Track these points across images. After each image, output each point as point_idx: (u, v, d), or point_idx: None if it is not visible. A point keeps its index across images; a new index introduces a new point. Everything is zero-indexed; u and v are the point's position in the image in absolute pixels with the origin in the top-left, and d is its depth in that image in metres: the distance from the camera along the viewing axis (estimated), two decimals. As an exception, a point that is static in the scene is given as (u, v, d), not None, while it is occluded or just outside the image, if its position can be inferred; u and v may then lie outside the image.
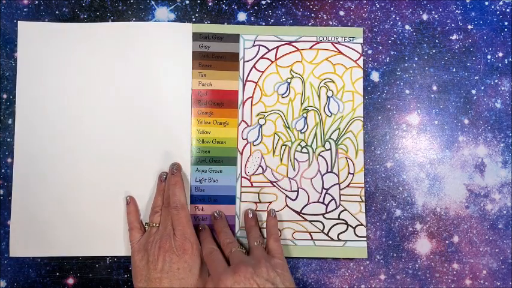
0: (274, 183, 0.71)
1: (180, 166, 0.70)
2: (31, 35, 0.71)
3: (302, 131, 0.71)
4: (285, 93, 0.72)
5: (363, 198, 0.71)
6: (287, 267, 0.64)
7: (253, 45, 0.72)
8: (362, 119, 0.72)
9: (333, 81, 0.72)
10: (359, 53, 0.72)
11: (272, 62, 0.72)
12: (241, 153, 0.71)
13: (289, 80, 0.72)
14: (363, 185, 0.71)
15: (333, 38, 0.73)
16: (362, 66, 0.72)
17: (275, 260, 0.63)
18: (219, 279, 0.59)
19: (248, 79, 0.72)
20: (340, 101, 0.72)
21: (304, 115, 0.72)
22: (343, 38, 0.72)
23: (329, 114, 0.72)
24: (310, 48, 0.72)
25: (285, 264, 0.64)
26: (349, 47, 0.72)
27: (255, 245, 0.66)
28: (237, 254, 0.64)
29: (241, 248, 0.65)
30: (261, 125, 0.71)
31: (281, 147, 0.71)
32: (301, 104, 0.72)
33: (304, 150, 0.71)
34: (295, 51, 0.72)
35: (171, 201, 0.67)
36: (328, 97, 0.72)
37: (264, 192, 0.71)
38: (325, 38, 0.72)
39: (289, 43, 0.72)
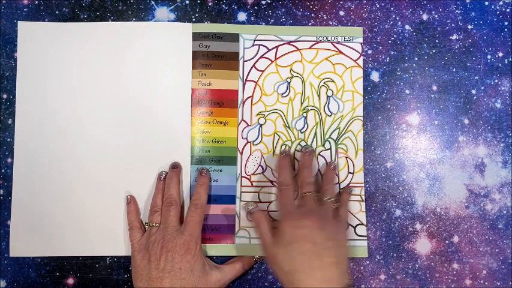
0: (275, 183, 0.71)
1: (181, 166, 0.70)
2: (31, 35, 0.71)
3: (302, 131, 0.71)
4: (285, 92, 0.72)
5: (363, 197, 0.71)
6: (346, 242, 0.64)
7: (253, 45, 0.72)
8: (362, 118, 0.72)
9: (332, 81, 0.72)
10: (359, 52, 0.72)
11: (272, 61, 0.72)
12: (241, 153, 0.71)
13: (289, 80, 0.72)
14: (363, 185, 0.71)
15: (332, 38, 0.73)
16: (362, 65, 0.72)
17: (339, 224, 0.64)
18: (286, 215, 0.62)
19: (248, 79, 0.72)
20: (340, 100, 0.72)
21: (304, 115, 0.72)
22: (343, 38, 0.73)
23: (329, 113, 0.72)
24: (310, 47, 0.72)
25: (346, 238, 0.65)
26: (349, 47, 0.72)
27: (327, 199, 0.65)
28: (312, 200, 0.64)
29: (316, 195, 0.65)
30: (261, 125, 0.71)
31: (281, 147, 0.71)
32: (301, 103, 0.72)
33: (304, 149, 0.71)
34: (295, 50, 0.72)
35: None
36: (328, 97, 0.72)
37: (264, 191, 0.71)
38: (325, 38, 0.73)
39: (289, 43, 0.72)
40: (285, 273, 0.58)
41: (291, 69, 0.72)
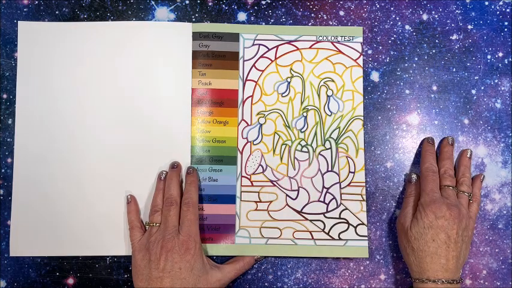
0: (275, 183, 0.71)
1: (181, 165, 0.70)
2: (31, 35, 0.71)
3: (302, 130, 0.71)
4: (285, 92, 0.72)
5: (364, 197, 0.71)
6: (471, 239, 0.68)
7: (253, 44, 0.72)
8: (362, 118, 0.72)
9: (332, 81, 0.72)
10: (359, 52, 0.72)
11: (272, 61, 0.72)
12: (241, 153, 0.71)
13: (289, 79, 0.72)
14: (363, 184, 0.71)
15: (332, 37, 0.73)
16: (362, 65, 0.72)
17: (472, 222, 0.67)
18: (432, 201, 0.65)
19: (248, 78, 0.72)
20: (340, 100, 0.72)
21: (304, 114, 0.72)
22: (343, 38, 0.73)
23: (329, 113, 0.72)
24: (310, 47, 0.72)
25: (472, 235, 0.68)
26: (349, 46, 0.72)
27: (465, 193, 0.68)
28: (454, 194, 0.67)
29: (454, 189, 0.68)
30: (261, 124, 0.71)
31: (281, 147, 0.71)
32: (301, 103, 0.72)
33: (304, 149, 0.71)
34: (295, 50, 0.72)
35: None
36: (328, 96, 0.72)
37: (264, 191, 0.71)
38: (324, 38, 0.73)
39: (289, 42, 0.72)
40: (411, 248, 0.65)
41: (291, 68, 0.72)
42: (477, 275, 0.71)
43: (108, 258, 0.70)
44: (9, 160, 0.70)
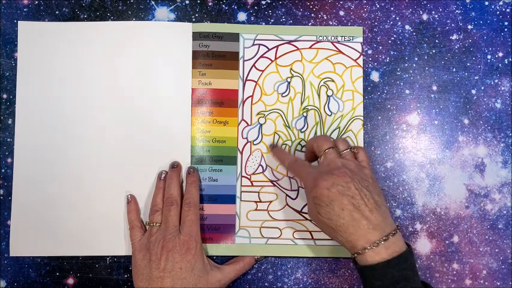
0: (275, 183, 0.71)
1: (181, 165, 0.70)
2: (31, 35, 0.71)
3: (302, 130, 0.71)
4: (285, 92, 0.72)
5: None
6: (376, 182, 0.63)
7: (253, 44, 0.72)
8: (362, 118, 0.72)
9: (332, 81, 0.72)
10: (359, 52, 0.72)
11: (272, 61, 0.72)
12: (241, 153, 0.71)
13: (289, 79, 0.72)
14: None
15: (332, 37, 0.73)
16: (362, 65, 0.72)
17: (366, 170, 0.62)
18: (316, 181, 0.59)
19: (248, 78, 0.72)
20: (340, 100, 0.72)
21: (304, 114, 0.72)
22: (343, 38, 0.73)
23: (329, 113, 0.72)
24: (310, 47, 0.72)
25: (373, 176, 0.63)
26: (349, 46, 0.72)
27: (344, 150, 0.64)
28: (333, 155, 0.62)
29: (333, 149, 0.63)
30: (261, 124, 0.71)
31: (281, 147, 0.71)
32: (301, 103, 0.72)
33: (304, 149, 0.71)
34: (295, 50, 0.72)
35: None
36: (328, 96, 0.72)
37: (264, 191, 0.71)
38: (325, 38, 0.73)
39: (289, 42, 0.72)
40: (333, 229, 0.59)
41: (291, 68, 0.72)
42: (477, 275, 0.71)
43: (108, 258, 0.70)
44: (9, 160, 0.70)
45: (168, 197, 0.67)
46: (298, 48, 0.72)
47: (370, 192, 0.59)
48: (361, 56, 0.72)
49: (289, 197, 0.71)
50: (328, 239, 0.70)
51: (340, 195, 0.58)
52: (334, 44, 0.72)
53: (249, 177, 0.71)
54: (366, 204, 0.58)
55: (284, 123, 0.71)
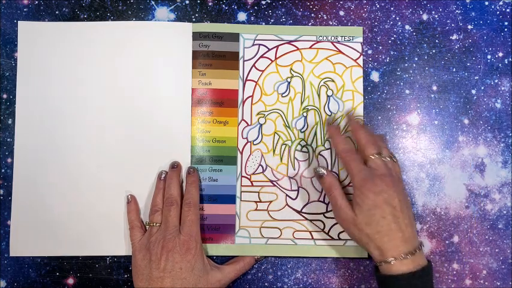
0: (275, 183, 0.71)
1: (181, 165, 0.70)
2: (31, 35, 0.71)
3: (302, 130, 0.71)
4: (285, 92, 0.72)
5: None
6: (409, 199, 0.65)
7: (253, 44, 0.72)
8: (362, 118, 0.72)
9: (333, 81, 0.72)
10: (359, 52, 0.72)
11: (272, 61, 0.72)
12: (241, 153, 0.71)
13: (289, 79, 0.72)
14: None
15: (332, 38, 0.73)
16: (362, 65, 0.72)
17: (402, 183, 0.65)
18: (365, 182, 0.61)
19: (248, 78, 0.72)
20: (340, 100, 0.72)
21: (304, 114, 0.72)
22: (343, 38, 0.73)
23: (329, 113, 0.72)
24: (310, 47, 0.72)
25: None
26: (349, 46, 0.72)
27: (386, 157, 0.65)
28: (380, 161, 0.63)
29: (380, 156, 0.64)
30: (261, 124, 0.71)
31: (281, 147, 0.71)
32: (301, 103, 0.72)
33: (304, 149, 0.71)
34: (295, 50, 0.72)
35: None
36: (328, 96, 0.72)
37: (264, 191, 0.71)
38: (325, 38, 0.73)
39: (289, 42, 0.72)
40: (366, 235, 0.61)
41: (291, 68, 0.72)
42: (477, 275, 0.71)
43: (108, 258, 0.70)
44: (9, 160, 0.70)
45: (168, 197, 0.67)
46: (298, 48, 0.72)
47: (407, 207, 0.62)
48: (361, 56, 0.72)
49: (289, 197, 0.71)
50: (328, 239, 0.70)
51: (385, 204, 0.60)
52: (334, 44, 0.72)
53: (249, 177, 0.71)
54: (403, 217, 0.60)
55: (284, 123, 0.71)
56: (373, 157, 0.64)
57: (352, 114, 0.71)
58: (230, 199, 0.71)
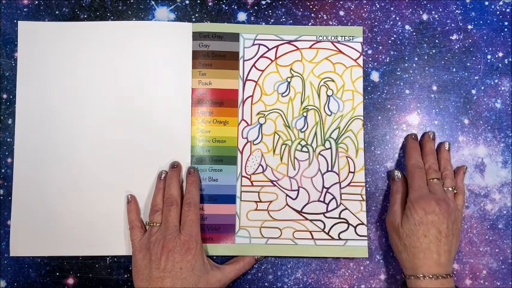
0: (275, 183, 0.71)
1: (181, 165, 0.70)
2: (31, 35, 0.71)
3: (302, 130, 0.71)
4: (285, 92, 0.72)
5: (364, 197, 0.71)
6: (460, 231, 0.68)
7: (253, 44, 0.72)
8: (362, 118, 0.72)
9: (332, 80, 0.72)
10: (359, 52, 0.72)
11: (272, 61, 0.72)
12: (241, 153, 0.71)
13: (289, 79, 0.72)
14: (363, 184, 0.71)
15: (332, 37, 0.73)
16: (362, 65, 0.72)
17: (460, 214, 0.68)
18: (421, 197, 0.65)
19: (248, 78, 0.72)
20: (340, 100, 0.72)
21: (304, 114, 0.72)
22: (343, 37, 0.73)
23: (329, 113, 0.72)
24: (310, 47, 0.72)
25: (461, 227, 0.68)
26: (349, 46, 0.72)
27: (449, 187, 0.68)
28: (440, 188, 0.67)
29: (439, 181, 0.68)
30: (261, 124, 0.71)
31: (281, 146, 0.71)
32: (301, 103, 0.72)
33: (304, 149, 0.71)
34: (295, 50, 0.72)
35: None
36: (328, 96, 0.72)
37: (265, 191, 0.71)
38: (325, 37, 0.73)
39: (289, 42, 0.72)
40: (403, 245, 0.65)
41: (291, 68, 0.72)
42: (477, 275, 0.71)
43: (108, 258, 0.70)
44: (9, 160, 0.70)
45: (168, 197, 0.67)
46: (298, 48, 0.72)
47: (453, 236, 0.64)
48: (361, 56, 0.72)
49: (289, 197, 0.71)
50: (328, 239, 0.70)
51: (431, 224, 0.63)
52: (334, 43, 0.72)
53: (249, 177, 0.71)
54: (445, 242, 0.63)
55: (284, 123, 0.71)
56: (431, 181, 0.67)
57: (432, 136, 0.72)
58: (230, 199, 0.71)
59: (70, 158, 0.70)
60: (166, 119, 0.71)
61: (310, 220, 0.70)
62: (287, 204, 0.71)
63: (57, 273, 0.70)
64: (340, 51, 0.72)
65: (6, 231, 0.70)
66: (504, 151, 0.72)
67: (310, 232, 0.70)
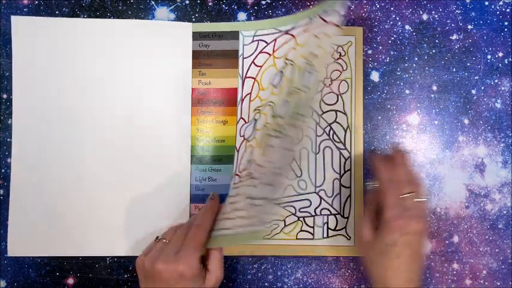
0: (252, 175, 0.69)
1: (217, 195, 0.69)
2: (26, 30, 0.71)
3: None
4: (278, 83, 0.70)
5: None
6: None
7: (253, 41, 0.72)
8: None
9: (316, 56, 0.66)
10: (342, 16, 0.64)
11: (270, 55, 0.71)
12: (238, 151, 0.71)
13: (282, 70, 0.71)
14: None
15: (323, 12, 0.66)
16: (341, 26, 0.65)
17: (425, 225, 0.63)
18: (396, 218, 0.60)
19: (247, 76, 0.71)
20: (315, 71, 0.66)
21: (288, 100, 0.67)
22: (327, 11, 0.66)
23: (305, 90, 0.66)
24: (304, 31, 0.70)
25: None
26: (331, 16, 0.65)
27: (419, 199, 0.63)
28: (414, 203, 0.62)
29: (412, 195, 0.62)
30: (256, 120, 0.71)
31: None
32: (288, 89, 0.68)
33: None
34: (291, 39, 0.71)
35: (197, 218, 0.63)
36: (308, 72, 0.66)
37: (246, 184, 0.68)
38: (317, 16, 0.67)
39: (287, 32, 0.71)
40: (376, 260, 0.61)
41: (286, 58, 0.71)
42: (477, 275, 0.71)
43: (108, 258, 0.70)
44: (9, 160, 0.70)
45: (190, 221, 0.64)
46: (294, 36, 0.71)
47: (422, 248, 0.62)
48: (344, 20, 0.70)
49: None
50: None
51: (406, 245, 0.60)
52: (321, 16, 0.66)
53: (240, 174, 0.69)
54: (417, 263, 0.61)
55: (273, 113, 0.69)
56: (406, 197, 0.62)
57: (398, 147, 0.70)
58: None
59: (69, 158, 0.70)
60: (166, 119, 0.71)
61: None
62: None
63: (57, 273, 0.70)
64: (325, 21, 0.65)
65: (7, 231, 0.70)
66: (504, 151, 0.72)
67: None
